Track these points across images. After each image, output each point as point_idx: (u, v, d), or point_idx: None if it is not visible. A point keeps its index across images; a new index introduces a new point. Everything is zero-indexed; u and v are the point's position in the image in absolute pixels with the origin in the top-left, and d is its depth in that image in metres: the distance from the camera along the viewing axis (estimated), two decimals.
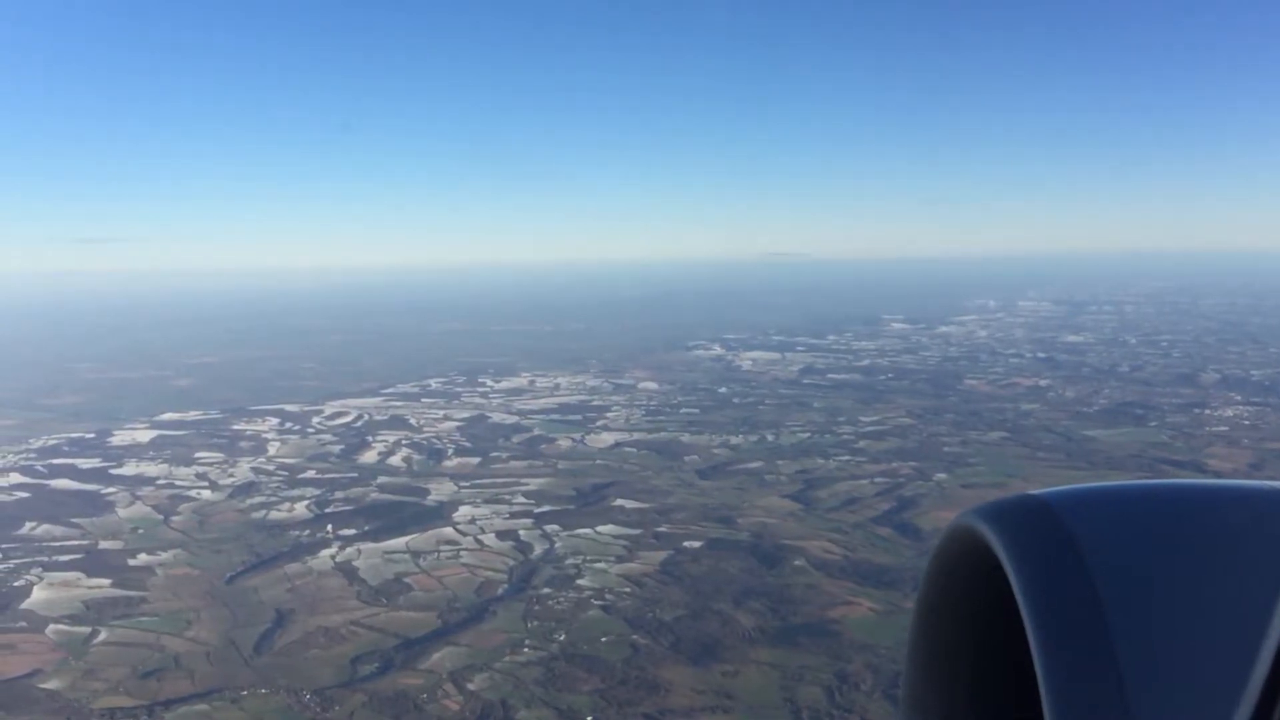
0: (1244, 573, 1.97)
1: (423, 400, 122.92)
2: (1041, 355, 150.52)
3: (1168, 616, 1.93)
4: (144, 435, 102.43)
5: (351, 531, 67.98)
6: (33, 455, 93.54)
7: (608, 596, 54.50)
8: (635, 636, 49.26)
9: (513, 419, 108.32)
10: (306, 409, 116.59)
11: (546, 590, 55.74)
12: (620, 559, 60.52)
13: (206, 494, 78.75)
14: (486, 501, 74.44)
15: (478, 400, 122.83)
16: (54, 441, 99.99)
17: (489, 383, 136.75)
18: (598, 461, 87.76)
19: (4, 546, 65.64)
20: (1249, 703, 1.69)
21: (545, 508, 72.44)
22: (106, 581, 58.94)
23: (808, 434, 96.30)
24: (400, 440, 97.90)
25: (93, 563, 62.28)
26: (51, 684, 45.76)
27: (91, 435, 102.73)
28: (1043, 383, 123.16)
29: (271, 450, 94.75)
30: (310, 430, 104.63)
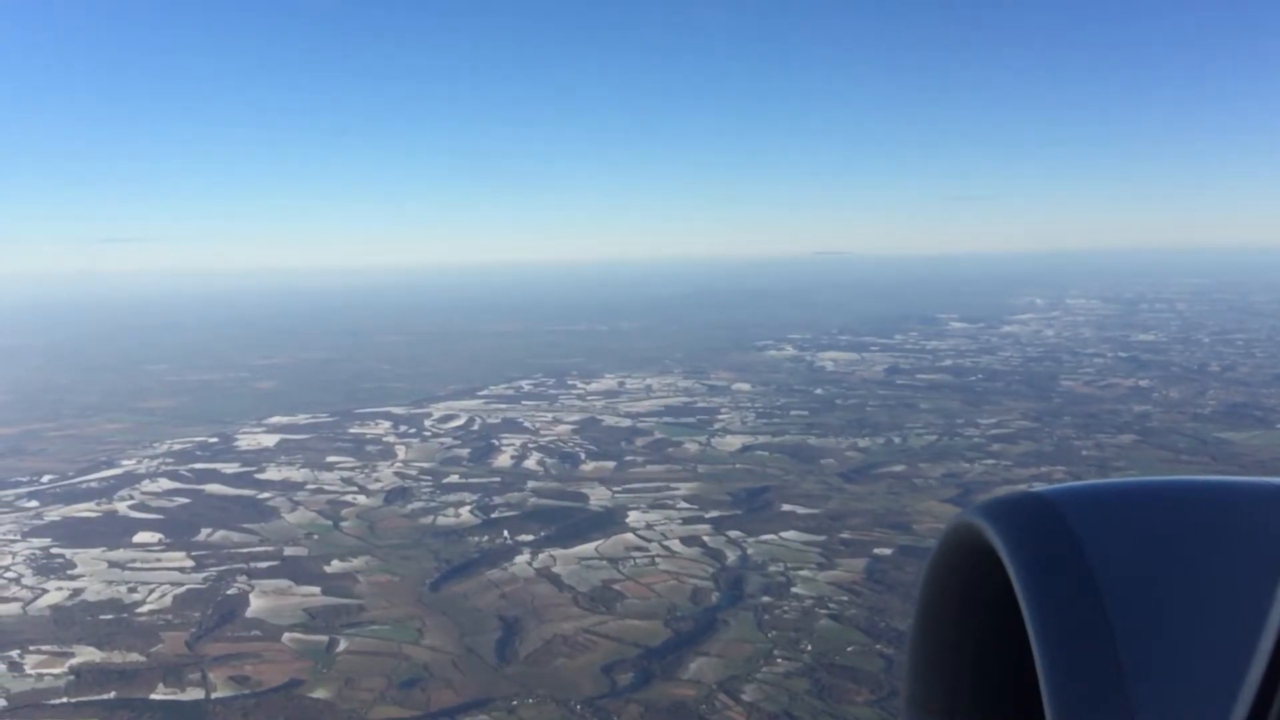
0: (1245, 569, 1.99)
1: (522, 403, 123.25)
2: (1123, 355, 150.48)
3: (1169, 613, 1.94)
4: (266, 439, 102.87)
5: (529, 537, 68.29)
6: (169, 460, 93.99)
7: (830, 605, 54.80)
8: (879, 646, 49.55)
9: (625, 422, 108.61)
10: (413, 412, 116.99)
11: (766, 599, 56.03)
12: (821, 566, 60.79)
13: (362, 499, 79.15)
14: (651, 507, 74.75)
15: (577, 402, 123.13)
16: (179, 446, 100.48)
17: (579, 385, 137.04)
18: (736, 466, 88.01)
19: (195, 554, 66.15)
20: (1248, 698, 1.69)
21: (713, 513, 72.75)
22: (316, 589, 59.37)
23: (934, 436, 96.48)
24: (525, 444, 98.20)
25: (292, 570, 62.67)
26: (318, 694, 46.17)
27: (215, 440, 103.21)
28: (1142, 383, 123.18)
29: (401, 454, 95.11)
30: (427, 434, 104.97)
